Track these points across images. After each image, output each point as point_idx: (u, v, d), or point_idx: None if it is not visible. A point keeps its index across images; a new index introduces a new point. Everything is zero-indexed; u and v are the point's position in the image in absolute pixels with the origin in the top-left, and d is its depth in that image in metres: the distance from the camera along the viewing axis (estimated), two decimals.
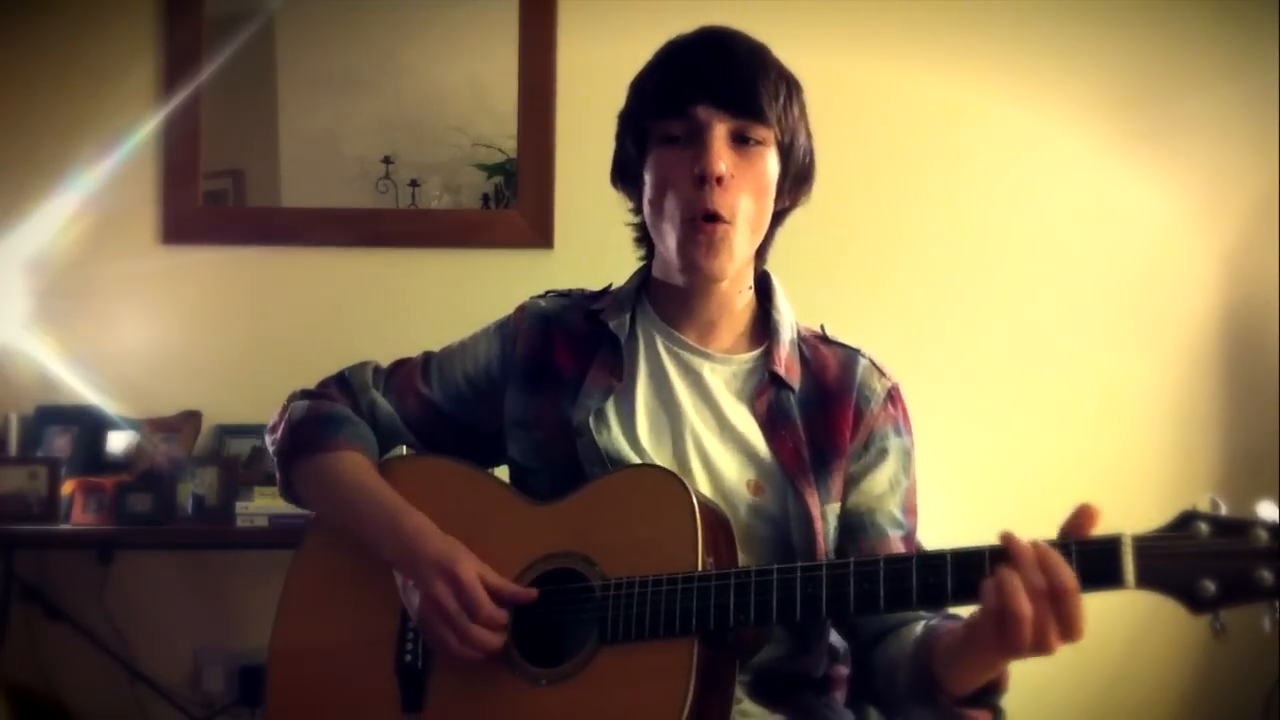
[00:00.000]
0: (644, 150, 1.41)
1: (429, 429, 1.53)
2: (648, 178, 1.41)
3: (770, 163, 1.39)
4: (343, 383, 1.56)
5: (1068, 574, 1.07)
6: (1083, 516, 1.11)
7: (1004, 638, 1.09)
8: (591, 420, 1.40)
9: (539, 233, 2.92)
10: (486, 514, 1.40)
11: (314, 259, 2.95)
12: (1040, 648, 1.09)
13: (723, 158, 1.35)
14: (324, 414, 1.50)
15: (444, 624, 1.29)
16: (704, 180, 1.34)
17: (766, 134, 1.38)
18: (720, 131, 1.35)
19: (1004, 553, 1.11)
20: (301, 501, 1.52)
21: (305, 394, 1.56)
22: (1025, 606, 1.07)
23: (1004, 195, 2.95)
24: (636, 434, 1.41)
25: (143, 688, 2.78)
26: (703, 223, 1.36)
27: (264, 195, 3.08)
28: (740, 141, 1.37)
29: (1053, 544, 1.10)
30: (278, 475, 1.52)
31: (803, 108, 1.43)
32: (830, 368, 1.46)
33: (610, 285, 1.56)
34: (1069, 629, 1.08)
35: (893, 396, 1.47)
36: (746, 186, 1.37)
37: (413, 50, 3.05)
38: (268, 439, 1.57)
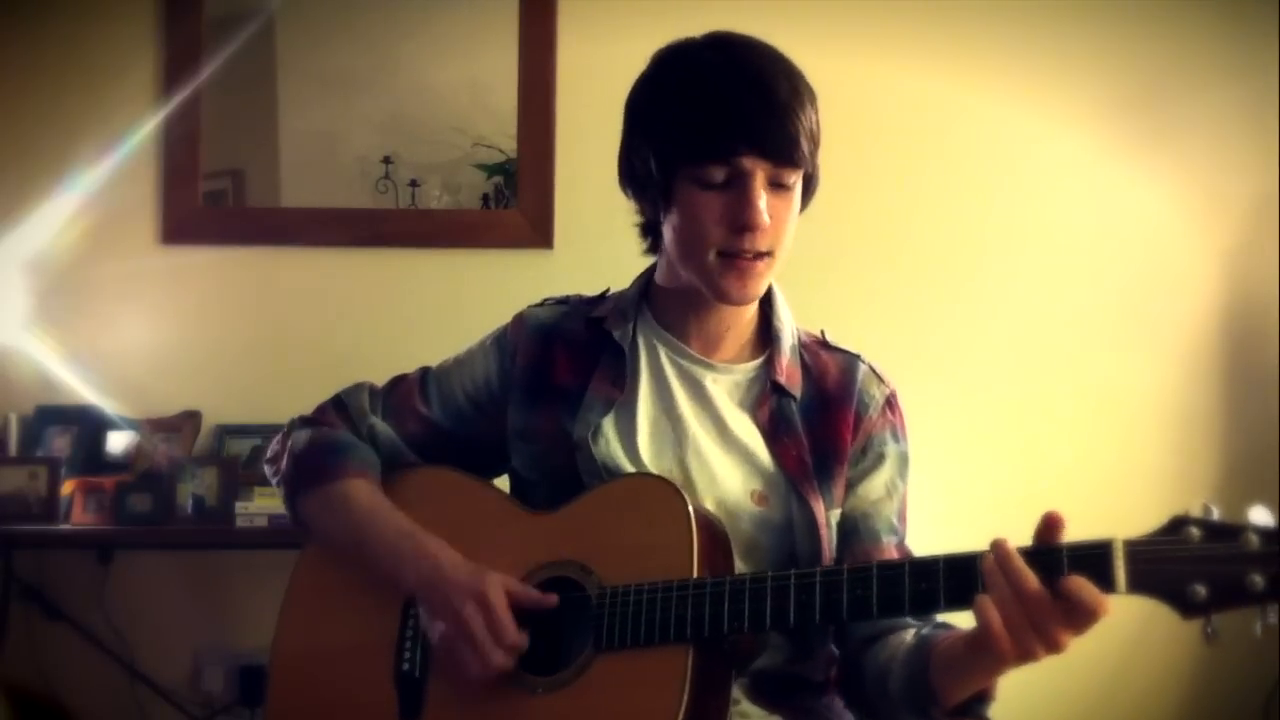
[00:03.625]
0: (670, 178, 1.37)
1: (430, 448, 1.52)
2: (677, 210, 1.37)
3: (798, 198, 1.38)
4: (340, 407, 1.54)
5: (1029, 578, 1.07)
6: (1050, 525, 1.11)
7: (989, 652, 1.10)
8: (590, 433, 1.40)
9: (539, 233, 2.91)
10: (484, 523, 1.40)
11: (314, 259, 2.95)
12: (1025, 657, 1.09)
13: (765, 207, 1.33)
14: (327, 441, 1.49)
15: (470, 648, 1.28)
16: (747, 229, 1.33)
17: (797, 176, 1.36)
18: (761, 179, 1.33)
19: None
20: (310, 530, 1.50)
21: (304, 421, 1.54)
22: (995, 618, 1.08)
23: (1004, 195, 2.95)
24: (636, 446, 1.40)
25: (143, 688, 2.78)
26: (737, 260, 1.34)
27: (264, 195, 3.08)
28: (774, 186, 1.34)
29: (1044, 549, 1.10)
30: (285, 505, 1.51)
31: (820, 127, 1.40)
32: (831, 373, 1.46)
33: (608, 289, 1.55)
34: (1048, 638, 1.08)
35: (890, 403, 1.47)
36: (778, 225, 1.36)
37: (412, 50, 3.05)
38: (268, 469, 1.56)
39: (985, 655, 1.12)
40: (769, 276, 1.39)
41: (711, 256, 1.35)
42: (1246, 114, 2.88)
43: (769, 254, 1.36)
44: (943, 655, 1.23)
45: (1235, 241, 2.92)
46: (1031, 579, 1.07)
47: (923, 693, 1.24)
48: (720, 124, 1.32)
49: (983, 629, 1.09)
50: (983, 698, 1.23)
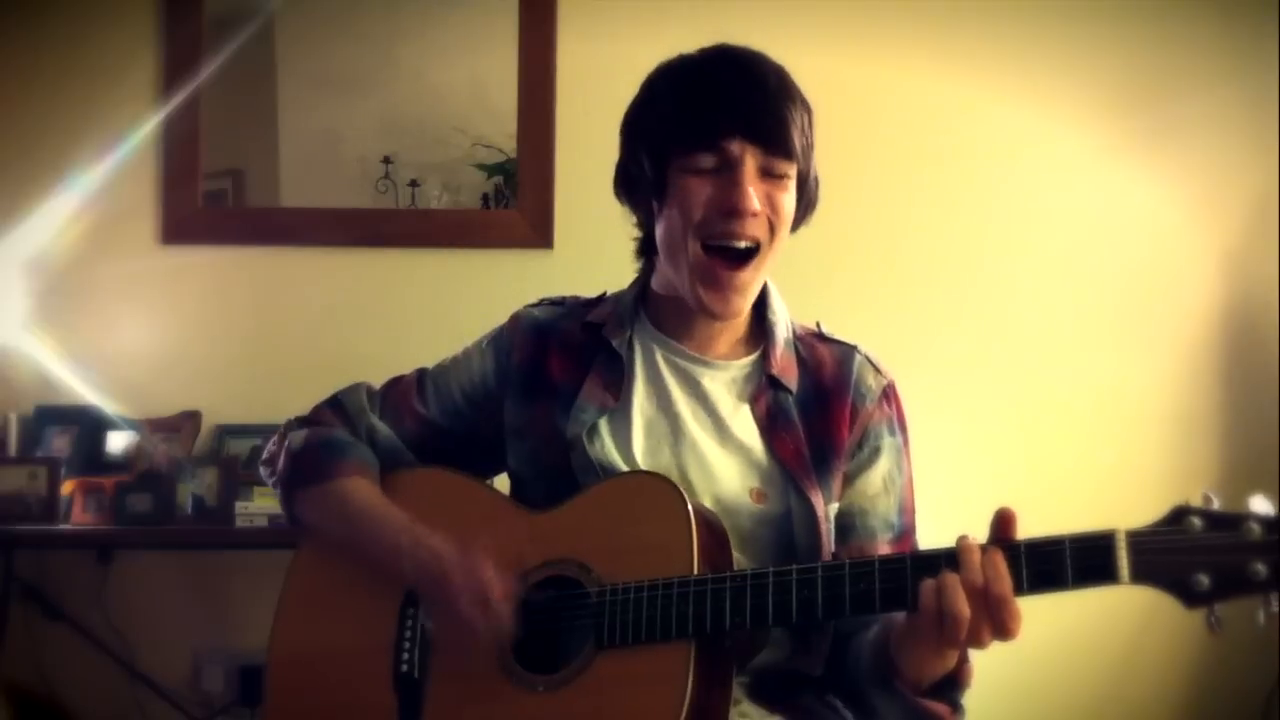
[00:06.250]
0: (662, 172, 1.37)
1: (428, 447, 1.53)
2: (669, 203, 1.37)
3: (791, 195, 1.38)
4: (337, 407, 1.54)
5: (1006, 583, 1.10)
6: (1002, 521, 1.15)
7: (941, 634, 1.13)
8: (585, 434, 1.40)
9: (539, 233, 2.91)
10: (483, 523, 1.40)
11: (314, 259, 2.95)
12: (974, 644, 1.13)
13: (754, 193, 1.33)
14: (325, 440, 1.49)
15: (469, 602, 1.28)
16: (735, 214, 1.33)
17: (790, 168, 1.36)
18: (751, 166, 1.33)
19: None
20: (307, 529, 1.50)
21: (301, 421, 1.55)
22: (963, 608, 1.11)
23: (1004, 195, 2.95)
24: (631, 447, 1.40)
25: (142, 688, 2.78)
26: (719, 267, 1.35)
27: (264, 195, 3.08)
28: (766, 175, 1.35)
29: (1047, 541, 1.11)
30: (281, 505, 1.51)
31: (813, 133, 1.42)
32: (827, 365, 1.46)
33: (605, 293, 1.55)
34: (1003, 631, 1.11)
35: (888, 394, 1.47)
36: (770, 219, 1.36)
37: (412, 50, 3.05)
38: (263, 471, 1.56)
39: (928, 636, 1.15)
40: (754, 287, 1.39)
41: (695, 249, 1.35)
42: (1246, 114, 2.88)
43: (755, 250, 1.35)
44: (898, 632, 1.24)
45: (1235, 241, 2.92)
46: (1008, 579, 1.11)
47: (887, 670, 1.25)
48: (708, 108, 1.34)
49: (946, 613, 1.12)
50: (956, 683, 1.24)
